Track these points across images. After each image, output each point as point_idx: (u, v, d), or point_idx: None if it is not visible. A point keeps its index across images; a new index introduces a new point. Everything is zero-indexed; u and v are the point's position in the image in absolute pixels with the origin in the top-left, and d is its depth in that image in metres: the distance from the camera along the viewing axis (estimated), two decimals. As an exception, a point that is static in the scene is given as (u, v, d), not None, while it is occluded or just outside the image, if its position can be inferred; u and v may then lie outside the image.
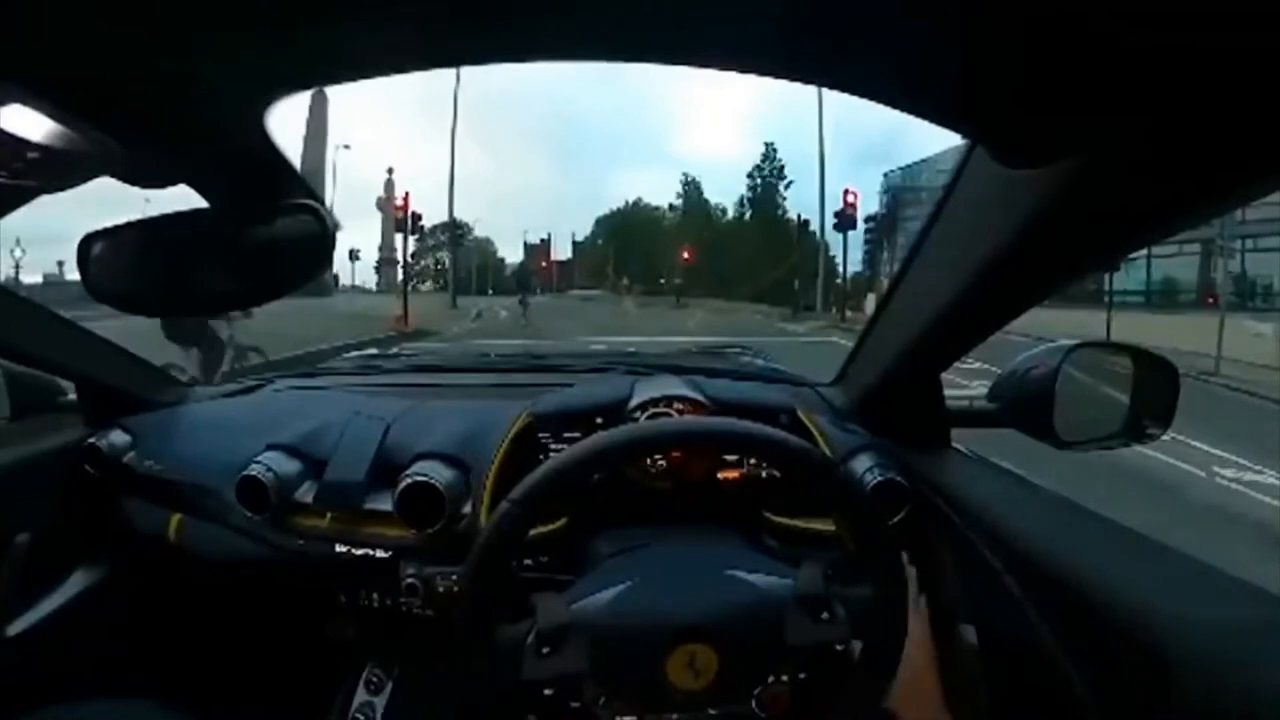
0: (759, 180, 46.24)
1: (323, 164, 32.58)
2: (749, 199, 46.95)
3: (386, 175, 46.15)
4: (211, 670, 1.18)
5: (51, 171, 0.43)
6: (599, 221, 62.10)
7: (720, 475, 0.98)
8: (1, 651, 0.97)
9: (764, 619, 0.60)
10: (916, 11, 0.35)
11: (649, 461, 0.97)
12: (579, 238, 63.53)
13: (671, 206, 54.82)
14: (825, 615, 0.60)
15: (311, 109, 32.14)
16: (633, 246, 53.89)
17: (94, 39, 0.34)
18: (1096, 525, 0.69)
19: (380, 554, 0.97)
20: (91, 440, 1.12)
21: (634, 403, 1.00)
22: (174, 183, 0.51)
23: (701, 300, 34.51)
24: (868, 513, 0.62)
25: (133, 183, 0.49)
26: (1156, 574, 0.58)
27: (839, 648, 0.60)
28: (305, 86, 0.41)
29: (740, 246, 42.58)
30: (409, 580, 0.93)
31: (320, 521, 0.99)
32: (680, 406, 0.99)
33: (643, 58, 0.39)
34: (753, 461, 0.99)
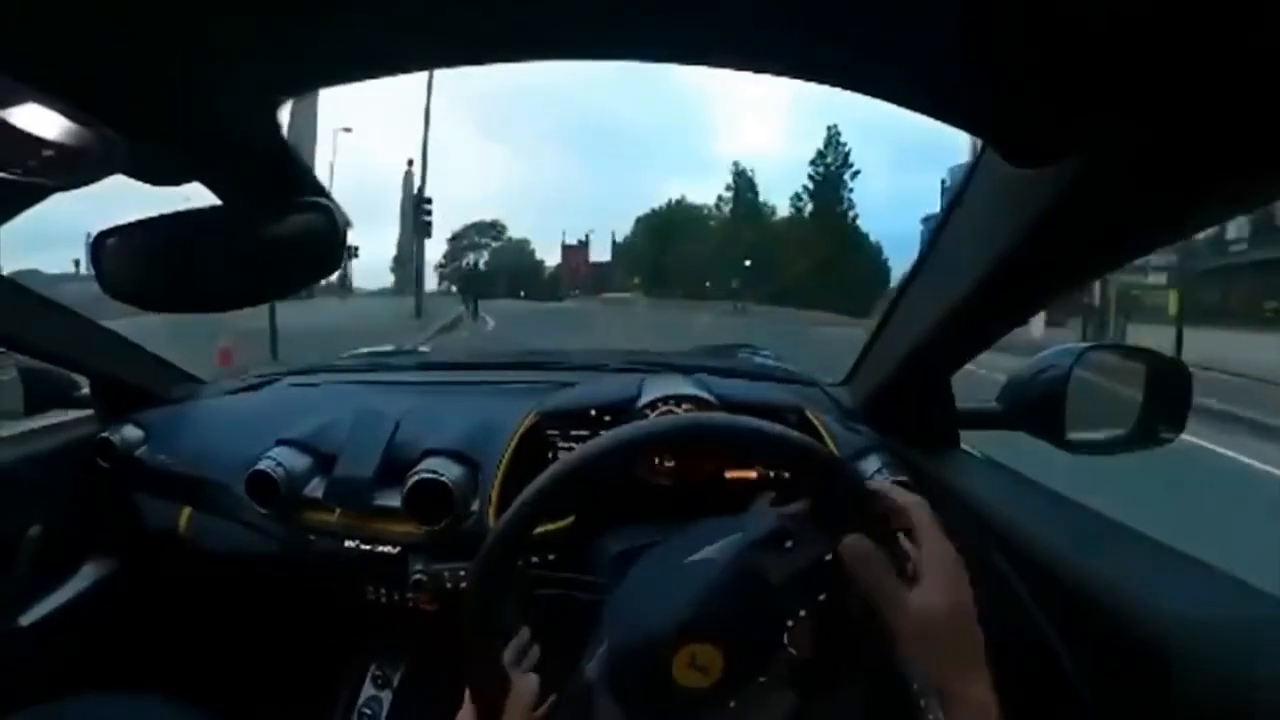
0: (822, 169, 40.64)
1: (312, 141, 27.66)
2: (810, 191, 41.47)
3: (406, 167, 43.28)
4: (220, 663, 1.20)
5: (66, 169, 0.44)
6: (639, 221, 57.95)
7: (728, 474, 0.98)
8: (14, 642, 0.98)
9: (738, 580, 0.57)
10: (927, 11, 0.35)
11: (658, 459, 0.96)
12: (619, 239, 60.20)
13: (720, 200, 49.21)
14: (789, 544, 0.57)
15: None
16: (674, 247, 49.40)
17: (107, 39, 0.34)
18: (1105, 528, 0.69)
19: (388, 550, 0.97)
20: (104, 435, 1.13)
21: (642, 401, 1.00)
22: (186, 180, 0.51)
23: (764, 307, 28.77)
24: (878, 513, 0.61)
25: (145, 180, 0.50)
26: (1166, 578, 0.57)
27: (828, 559, 0.56)
28: (316, 86, 0.41)
29: (801, 246, 37.55)
30: (417, 576, 0.93)
31: (329, 517, 1.00)
32: (688, 406, 0.98)
33: (655, 57, 0.39)
34: (765, 463, 0.98)
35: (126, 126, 0.41)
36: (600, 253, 59.90)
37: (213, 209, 0.52)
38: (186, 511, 1.10)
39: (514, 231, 58.72)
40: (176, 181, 0.52)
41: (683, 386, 1.02)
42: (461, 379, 1.37)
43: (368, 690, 1.20)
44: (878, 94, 0.44)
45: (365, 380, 1.35)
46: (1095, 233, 0.55)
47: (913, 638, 0.52)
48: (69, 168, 0.43)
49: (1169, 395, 0.85)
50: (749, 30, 0.37)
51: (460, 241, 53.71)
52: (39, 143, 0.38)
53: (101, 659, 1.12)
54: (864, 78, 0.43)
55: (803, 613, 0.56)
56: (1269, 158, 0.42)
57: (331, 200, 0.51)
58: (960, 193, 0.67)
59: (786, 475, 0.96)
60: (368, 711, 1.18)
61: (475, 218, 57.86)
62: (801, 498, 0.61)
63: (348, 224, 0.51)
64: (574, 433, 1.00)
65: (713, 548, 0.60)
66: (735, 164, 54.36)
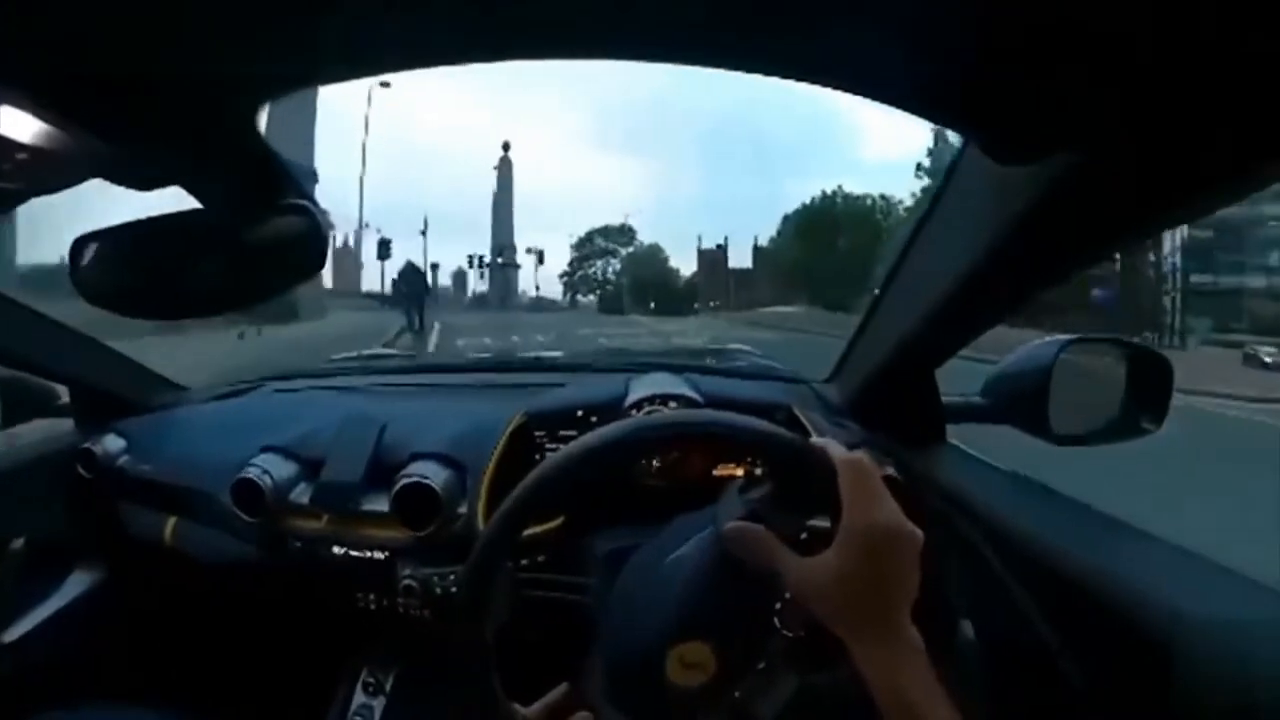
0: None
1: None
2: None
3: (502, 153, 39.60)
4: (209, 673, 1.18)
5: (41, 173, 0.43)
6: (786, 220, 46.25)
7: (716, 472, 0.98)
8: (1, 656, 0.97)
9: (714, 574, 0.56)
10: (911, 9, 0.35)
11: (646, 459, 0.96)
12: (761, 241, 48.72)
13: (919, 170, 34.33)
14: (760, 528, 0.55)
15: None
16: (836, 249, 39.16)
17: (84, 39, 0.34)
18: (1094, 520, 0.69)
19: (377, 555, 0.97)
20: (86, 445, 1.11)
21: (629, 401, 1.00)
22: (166, 184, 0.51)
23: (1026, 332, 5.42)
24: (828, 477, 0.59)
25: (124, 184, 0.49)
26: (1155, 569, 0.58)
27: (803, 536, 0.55)
28: (298, 86, 0.41)
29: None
30: (406, 581, 0.93)
31: (316, 523, 0.99)
32: (675, 404, 0.98)
33: (649, 57, 0.39)
34: (750, 458, 0.98)
35: (105, 129, 0.41)
36: (740, 258, 50.51)
37: (193, 213, 0.52)
38: (172, 521, 1.09)
39: (645, 237, 51.37)
40: (156, 185, 0.51)
41: (670, 385, 1.02)
42: (448, 381, 1.36)
43: (359, 697, 1.19)
44: (861, 92, 0.44)
45: (350, 384, 1.34)
46: (1078, 228, 0.55)
47: (809, 601, 0.52)
48: (45, 172, 0.43)
49: (1150, 387, 0.86)
50: (726, 29, 0.37)
51: (585, 247, 48.56)
52: (14, 146, 0.38)
53: (90, 670, 1.10)
54: (848, 77, 0.43)
55: (788, 594, 0.56)
56: (1250, 155, 0.42)
57: (314, 203, 0.51)
58: (943, 188, 0.68)
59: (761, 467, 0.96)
60: (359, 718, 1.17)
61: (603, 222, 51.82)
62: (766, 482, 0.60)
63: (330, 227, 0.51)
64: (561, 433, 1.00)
65: (688, 544, 0.59)
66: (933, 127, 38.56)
